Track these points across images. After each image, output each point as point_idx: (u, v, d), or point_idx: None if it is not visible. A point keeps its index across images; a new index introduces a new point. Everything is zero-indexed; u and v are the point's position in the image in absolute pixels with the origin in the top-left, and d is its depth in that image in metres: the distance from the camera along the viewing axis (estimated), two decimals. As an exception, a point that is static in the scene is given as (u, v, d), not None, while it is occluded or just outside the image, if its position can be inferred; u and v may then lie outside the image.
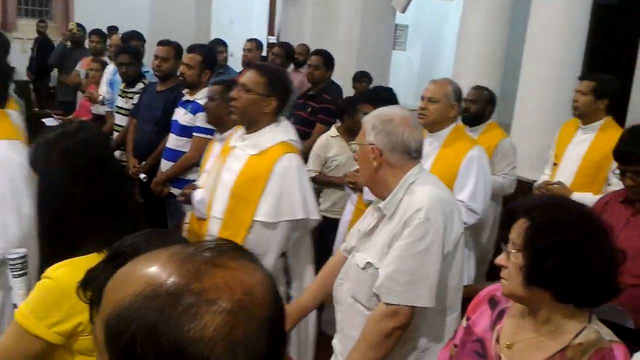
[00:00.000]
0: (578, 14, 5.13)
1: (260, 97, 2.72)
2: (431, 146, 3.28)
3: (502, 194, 4.27)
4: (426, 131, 3.32)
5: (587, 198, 3.26)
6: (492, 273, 4.26)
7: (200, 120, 3.96)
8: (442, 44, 9.59)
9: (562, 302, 1.53)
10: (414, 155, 2.19)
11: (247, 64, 6.27)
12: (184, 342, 0.67)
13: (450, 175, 3.17)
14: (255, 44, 6.24)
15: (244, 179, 2.73)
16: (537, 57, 5.22)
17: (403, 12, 7.98)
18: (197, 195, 3.04)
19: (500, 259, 1.61)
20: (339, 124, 4.57)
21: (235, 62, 7.42)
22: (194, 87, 4.06)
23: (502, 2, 5.99)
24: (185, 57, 4.09)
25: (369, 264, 2.15)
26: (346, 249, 2.42)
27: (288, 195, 2.70)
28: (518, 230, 1.56)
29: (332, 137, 4.57)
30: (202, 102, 3.97)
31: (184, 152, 4.05)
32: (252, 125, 2.79)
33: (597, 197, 3.24)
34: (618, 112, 7.67)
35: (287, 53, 5.77)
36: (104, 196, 1.67)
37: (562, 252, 1.49)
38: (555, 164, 3.88)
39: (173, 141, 4.11)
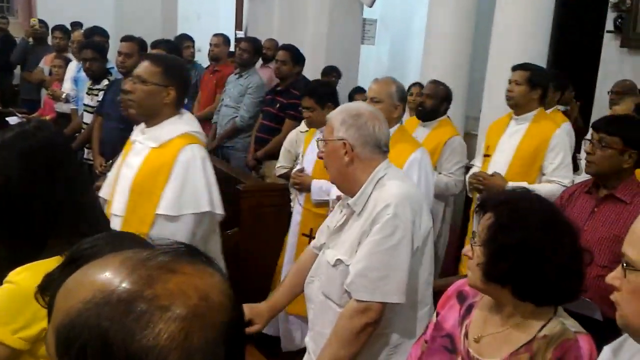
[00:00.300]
0: (543, 6, 5.17)
1: (158, 88, 2.58)
2: None
3: (447, 193, 4.26)
4: None
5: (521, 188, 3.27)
6: (446, 270, 4.31)
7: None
8: (410, 38, 9.61)
9: (520, 299, 1.53)
10: (384, 149, 2.19)
11: (214, 59, 6.20)
12: (136, 351, 0.65)
13: None
14: (222, 38, 6.18)
15: (145, 172, 2.58)
16: (503, 51, 5.25)
17: (370, 6, 7.97)
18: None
19: (466, 250, 1.62)
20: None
21: (203, 57, 7.33)
22: (160, 84, 3.98)
23: (468, -3, 6.03)
24: (151, 53, 4.02)
25: (339, 260, 2.14)
26: (316, 246, 2.41)
27: (192, 187, 2.56)
28: (483, 225, 1.57)
29: (301, 132, 4.54)
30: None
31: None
32: (153, 117, 2.63)
33: (532, 186, 3.33)
34: (584, 103, 7.80)
35: (255, 48, 5.71)
36: (65, 198, 1.62)
37: (521, 251, 1.49)
38: (487, 156, 3.86)
39: (138, 138, 4.03)
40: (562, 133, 3.73)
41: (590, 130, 2.83)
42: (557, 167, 3.58)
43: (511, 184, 3.43)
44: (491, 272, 1.52)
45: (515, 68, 3.83)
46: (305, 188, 3.63)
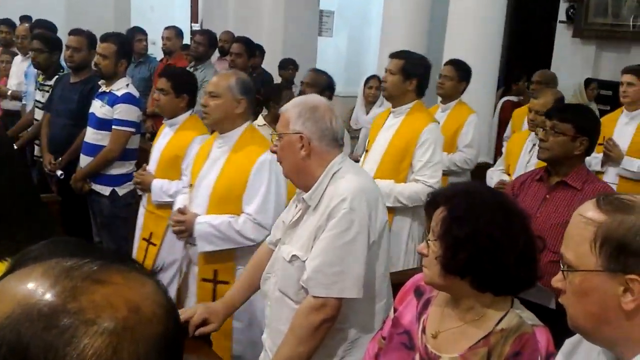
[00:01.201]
0: (496, -2, 5.23)
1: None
2: (220, 149, 2.91)
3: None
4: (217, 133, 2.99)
5: (386, 187, 3.18)
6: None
7: (119, 112, 3.82)
8: (368, 29, 9.61)
9: (479, 291, 1.53)
10: (340, 143, 2.16)
11: (167, 52, 6.09)
12: None
13: (237, 183, 2.81)
14: (174, 31, 6.07)
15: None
16: (458, 40, 5.30)
17: (327, -3, 7.94)
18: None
19: (422, 247, 1.61)
20: (265, 112, 4.51)
21: (158, 50, 7.20)
22: (110, 78, 3.91)
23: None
24: (99, 47, 3.91)
25: (294, 256, 2.11)
26: (272, 242, 2.37)
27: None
28: (437, 219, 1.56)
29: (259, 126, 4.49)
30: (119, 93, 3.82)
31: (103, 146, 3.90)
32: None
33: (396, 187, 3.30)
34: (538, 93, 7.89)
35: (210, 41, 5.63)
36: (8, 199, 1.54)
37: (476, 242, 1.49)
38: (367, 151, 3.64)
39: (91, 135, 3.94)
40: (435, 128, 3.43)
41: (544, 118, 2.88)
42: (424, 165, 3.32)
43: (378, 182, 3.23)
44: (450, 264, 1.51)
45: (391, 56, 3.52)
46: (146, 188, 3.41)
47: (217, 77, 2.97)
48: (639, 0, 6.77)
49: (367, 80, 5.81)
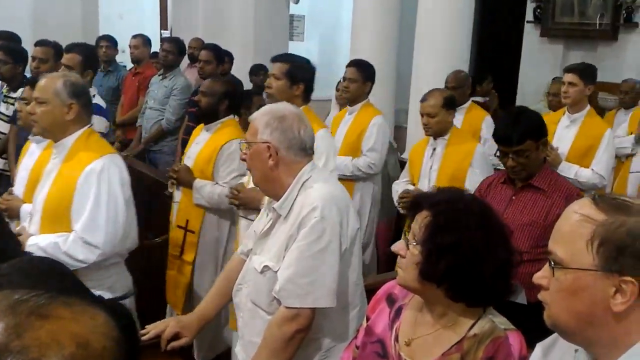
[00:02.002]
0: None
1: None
2: (54, 160, 2.68)
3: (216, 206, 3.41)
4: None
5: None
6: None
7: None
8: (339, 33, 9.63)
9: (453, 300, 1.52)
10: (309, 152, 2.14)
11: (135, 61, 6.02)
12: None
13: (65, 197, 2.57)
14: (142, 40, 6.00)
15: None
16: (428, 43, 5.33)
17: (297, 2, 7.94)
18: None
19: (399, 248, 1.59)
20: (237, 119, 4.47)
21: (127, 58, 7.11)
22: (76, 89, 3.82)
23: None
24: (64, 58, 3.85)
25: (266, 267, 2.09)
26: (244, 252, 2.35)
27: None
28: (420, 223, 1.55)
29: (231, 133, 4.46)
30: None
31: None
32: None
33: None
34: (509, 93, 8.01)
35: (179, 48, 5.57)
36: None
37: (458, 252, 1.48)
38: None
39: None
40: (325, 135, 3.14)
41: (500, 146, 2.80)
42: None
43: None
44: (428, 272, 1.50)
45: (274, 59, 3.29)
46: (14, 214, 2.95)
47: (43, 80, 2.64)
48: (604, -1, 6.88)
49: (338, 83, 5.82)
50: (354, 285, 2.16)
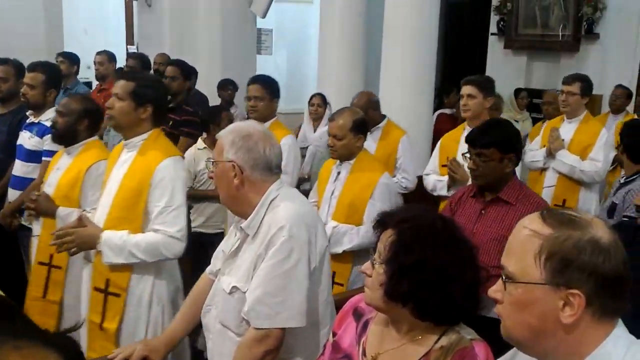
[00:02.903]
0: (429, 13, 5.32)
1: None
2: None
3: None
4: None
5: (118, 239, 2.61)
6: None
7: (49, 143, 3.68)
8: (307, 46, 9.68)
9: (420, 319, 1.52)
10: (276, 171, 2.12)
11: (100, 78, 5.94)
12: None
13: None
14: (107, 56, 5.92)
15: None
16: (394, 56, 5.36)
17: (263, 17, 7.94)
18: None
19: (366, 267, 1.59)
20: (205, 135, 4.44)
21: (93, 74, 7.01)
22: (39, 108, 3.80)
23: (356, 4, 6.11)
24: (27, 77, 3.79)
25: (235, 288, 2.06)
26: (212, 272, 2.31)
27: None
28: (385, 243, 1.54)
29: (199, 149, 4.43)
30: (48, 123, 3.69)
31: (33, 179, 3.75)
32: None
33: (135, 236, 2.60)
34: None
35: (143, 64, 5.52)
36: None
37: (422, 272, 1.48)
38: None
39: (20, 168, 3.80)
40: (171, 164, 2.70)
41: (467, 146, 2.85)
42: (161, 211, 2.63)
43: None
44: (393, 292, 1.50)
45: (120, 77, 3.01)
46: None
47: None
48: (566, 10, 7.03)
49: (311, 98, 5.83)
50: (324, 303, 2.15)
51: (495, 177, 2.73)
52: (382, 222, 1.59)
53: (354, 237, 3.24)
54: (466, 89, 3.80)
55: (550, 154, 4.42)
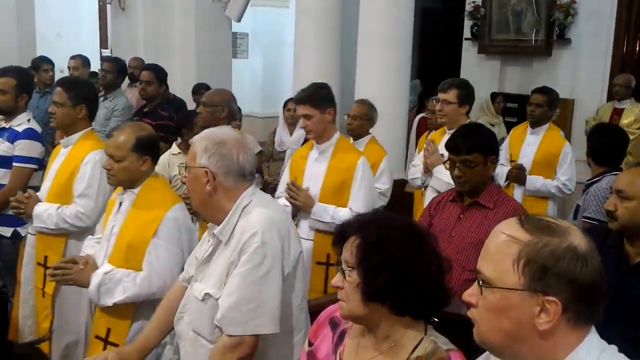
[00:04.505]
0: (403, 19, 5.36)
1: None
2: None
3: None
4: None
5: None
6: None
7: (20, 148, 3.63)
8: (282, 50, 9.66)
9: (399, 314, 1.53)
10: (249, 177, 2.11)
11: (74, 83, 5.87)
12: None
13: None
14: (81, 61, 5.87)
15: None
16: (369, 61, 5.38)
17: (238, 20, 7.91)
18: None
19: (337, 281, 1.59)
20: (179, 140, 4.41)
21: (66, 78, 6.94)
22: (10, 114, 3.72)
23: (331, 9, 6.12)
24: (-2, 82, 3.71)
25: (207, 294, 2.04)
26: (185, 279, 2.29)
27: None
28: (350, 249, 1.55)
29: (173, 154, 4.39)
30: (20, 128, 3.64)
31: (3, 185, 3.67)
32: None
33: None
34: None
35: (119, 68, 5.47)
36: None
37: (394, 266, 1.50)
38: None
39: (-10, 174, 3.72)
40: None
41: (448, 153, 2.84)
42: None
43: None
44: (371, 290, 1.50)
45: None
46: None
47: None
48: (539, 15, 7.12)
49: (286, 102, 5.82)
50: (298, 309, 2.15)
51: (481, 181, 2.75)
52: (342, 233, 1.61)
53: (129, 286, 2.55)
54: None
55: (428, 170, 3.88)
